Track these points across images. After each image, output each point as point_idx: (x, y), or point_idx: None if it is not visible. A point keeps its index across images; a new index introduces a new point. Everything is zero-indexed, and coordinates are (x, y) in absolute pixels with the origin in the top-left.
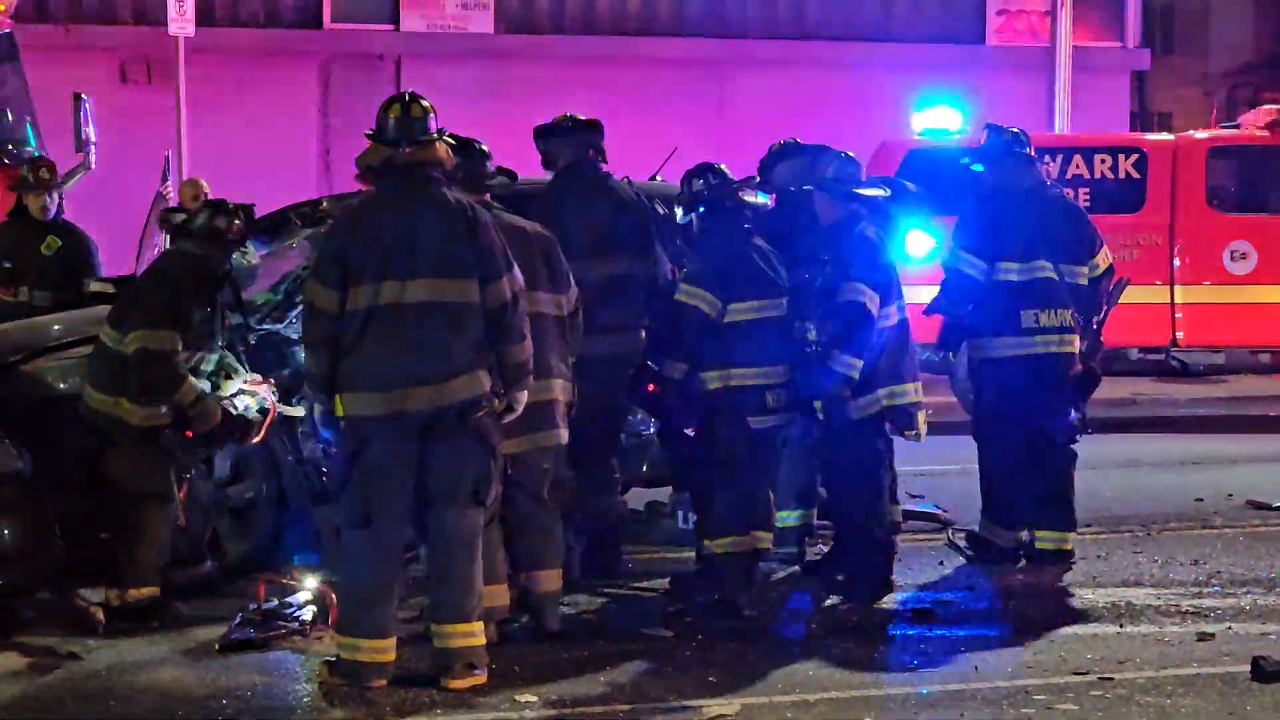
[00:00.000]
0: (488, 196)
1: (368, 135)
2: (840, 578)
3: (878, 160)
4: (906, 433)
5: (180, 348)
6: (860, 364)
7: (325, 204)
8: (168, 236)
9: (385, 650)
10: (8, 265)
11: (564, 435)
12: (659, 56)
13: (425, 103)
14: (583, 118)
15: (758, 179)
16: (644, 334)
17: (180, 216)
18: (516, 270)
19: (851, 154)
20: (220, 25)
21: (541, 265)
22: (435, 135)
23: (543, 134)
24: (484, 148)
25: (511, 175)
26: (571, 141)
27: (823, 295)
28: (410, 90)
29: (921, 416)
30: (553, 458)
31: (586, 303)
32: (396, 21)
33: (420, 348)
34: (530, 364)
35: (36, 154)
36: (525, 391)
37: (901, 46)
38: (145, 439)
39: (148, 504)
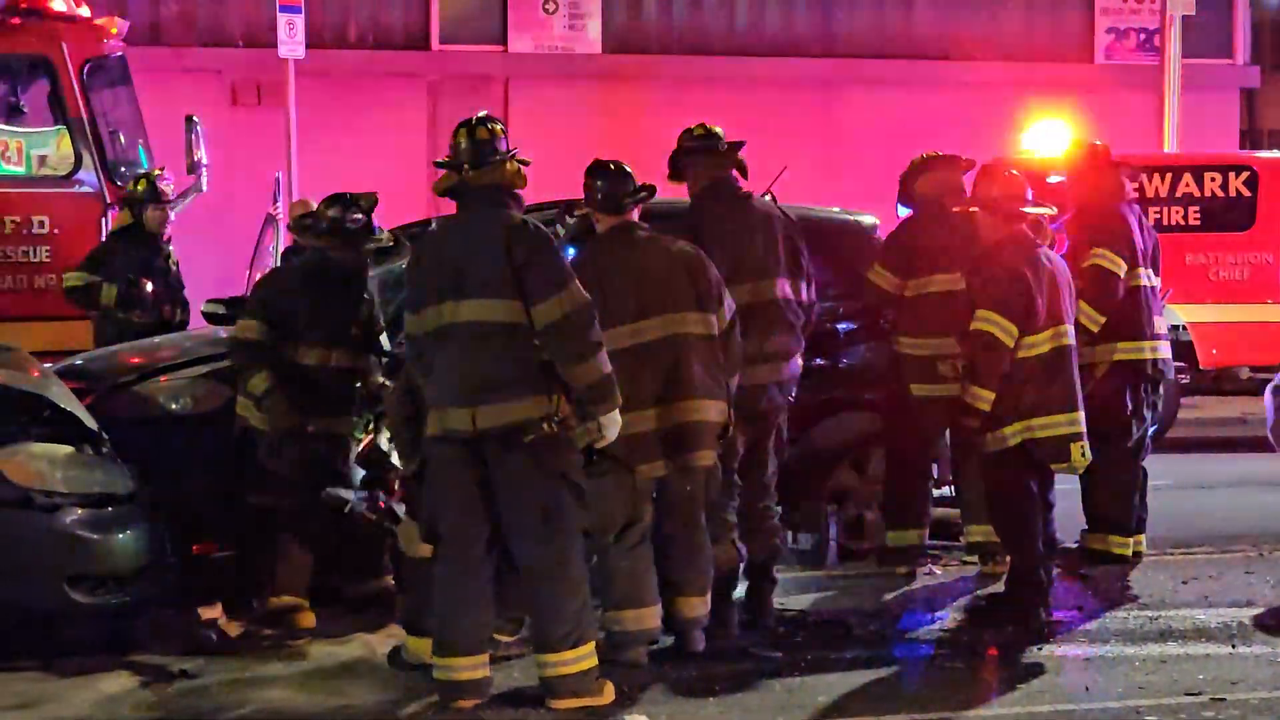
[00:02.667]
0: (634, 215)
1: (438, 164)
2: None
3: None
4: (1055, 465)
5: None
6: (989, 395)
7: (434, 225)
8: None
9: (474, 667)
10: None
11: (710, 458)
12: (767, 76)
13: (492, 125)
14: (720, 132)
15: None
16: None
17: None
18: (574, 287)
19: (1015, 170)
20: (329, 47)
21: (687, 284)
22: (503, 156)
23: (681, 151)
24: (624, 167)
25: (650, 190)
26: (711, 161)
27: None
28: (482, 113)
29: (1076, 448)
30: (698, 481)
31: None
32: (504, 42)
33: (465, 368)
34: (607, 384)
35: (156, 170)
36: (614, 412)
37: (1010, 65)
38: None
39: (298, 515)
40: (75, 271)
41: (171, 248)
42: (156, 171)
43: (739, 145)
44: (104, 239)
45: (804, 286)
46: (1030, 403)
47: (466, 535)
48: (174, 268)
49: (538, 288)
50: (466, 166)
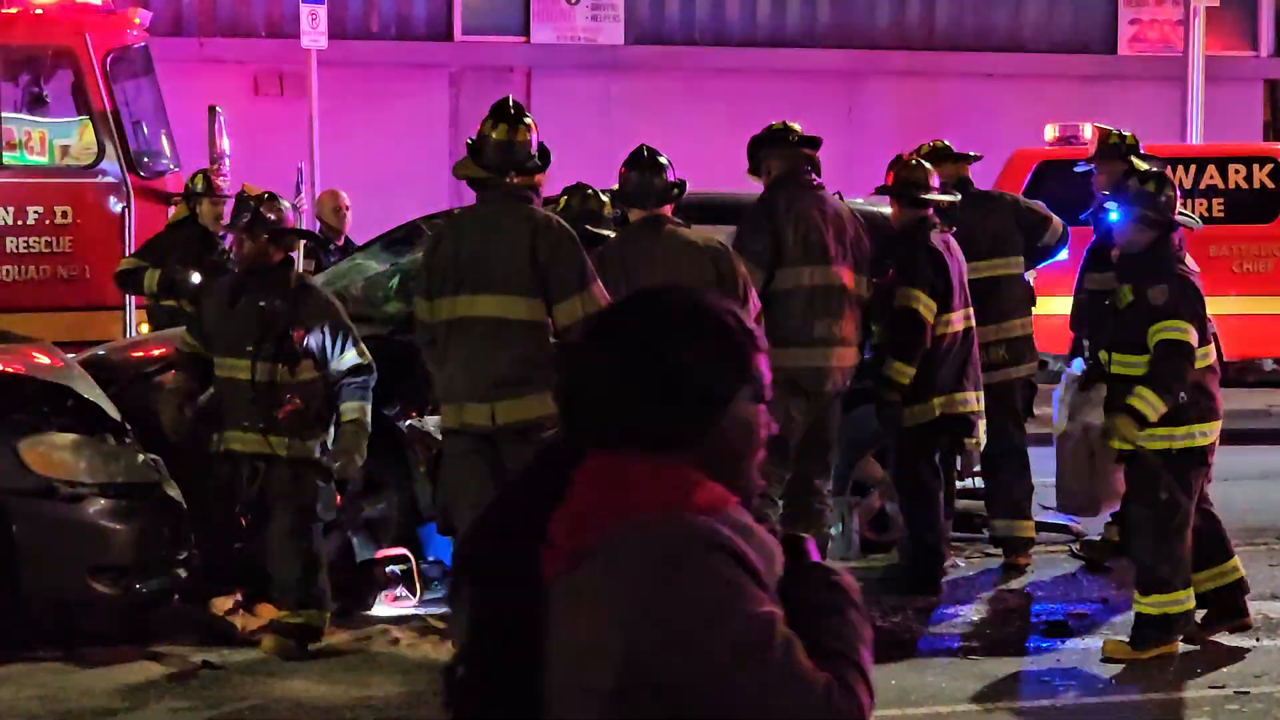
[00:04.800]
0: (668, 209)
1: (469, 144)
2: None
3: (1009, 172)
4: (967, 440)
5: None
6: (910, 371)
7: (455, 214)
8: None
9: None
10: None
11: None
12: (789, 67)
13: (528, 120)
14: (797, 127)
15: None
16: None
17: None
18: (595, 288)
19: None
20: (352, 38)
21: (712, 278)
22: (530, 167)
23: (759, 142)
24: (659, 160)
25: (680, 185)
26: (787, 153)
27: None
28: (514, 103)
29: (981, 425)
30: None
31: (798, 312)
32: (527, 33)
33: (484, 363)
34: None
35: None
36: None
37: (1032, 56)
38: None
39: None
40: (129, 257)
41: (227, 242)
42: (213, 166)
43: (813, 141)
44: (163, 229)
45: (865, 282)
46: (948, 378)
47: None
48: (228, 262)
49: (560, 287)
50: (500, 168)
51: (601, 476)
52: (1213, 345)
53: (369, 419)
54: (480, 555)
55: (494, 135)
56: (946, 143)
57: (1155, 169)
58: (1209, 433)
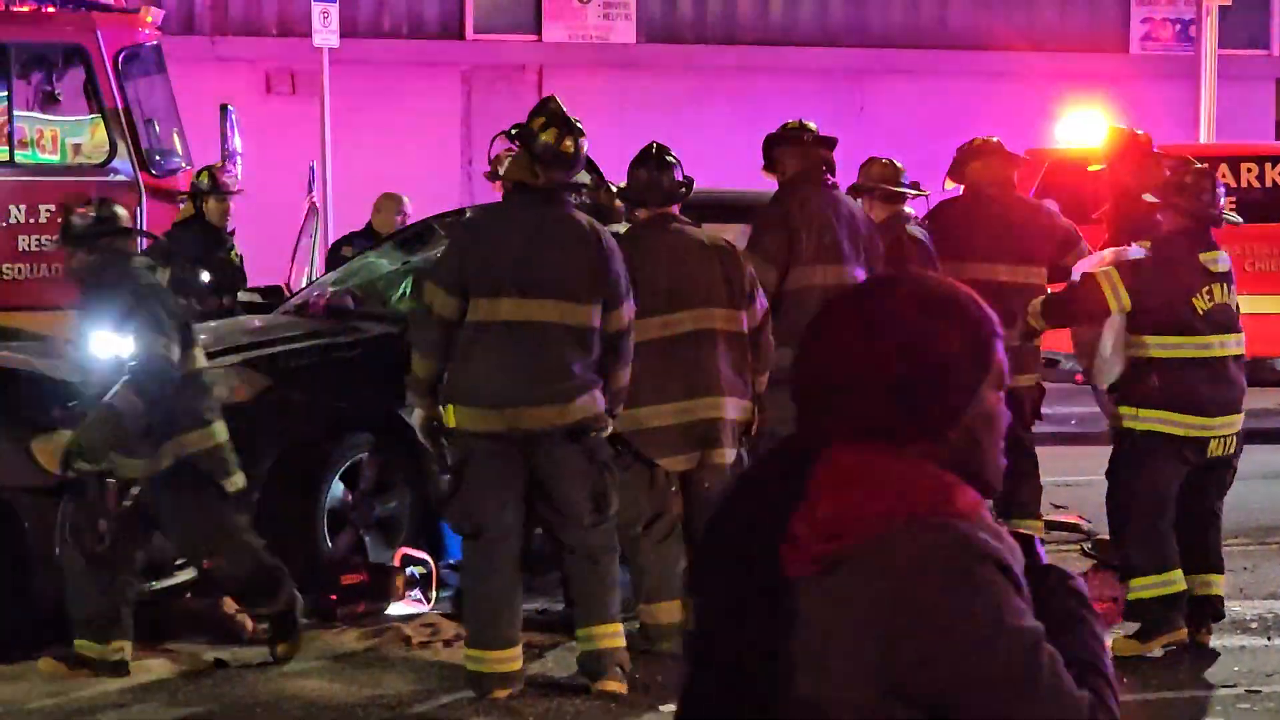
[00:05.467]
0: (675, 208)
1: (509, 135)
2: None
3: (1021, 171)
4: None
5: None
6: None
7: (469, 214)
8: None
9: (507, 660)
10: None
11: (730, 455)
12: (801, 66)
13: (578, 127)
14: (813, 126)
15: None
16: None
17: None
18: (631, 300)
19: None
20: (364, 36)
21: (720, 280)
22: (586, 184)
23: (775, 140)
24: (668, 158)
25: (688, 184)
26: (802, 151)
27: None
28: (562, 107)
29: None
30: (718, 477)
31: (811, 311)
32: (539, 32)
33: (541, 367)
34: (629, 387)
35: (218, 162)
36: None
37: (1044, 55)
38: None
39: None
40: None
41: (234, 239)
42: (219, 164)
43: (829, 141)
44: (169, 228)
45: None
46: None
47: (505, 529)
48: (236, 259)
49: (617, 295)
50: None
51: (851, 474)
52: (1198, 338)
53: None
54: (719, 549)
55: (546, 138)
56: (998, 140)
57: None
58: (1189, 425)
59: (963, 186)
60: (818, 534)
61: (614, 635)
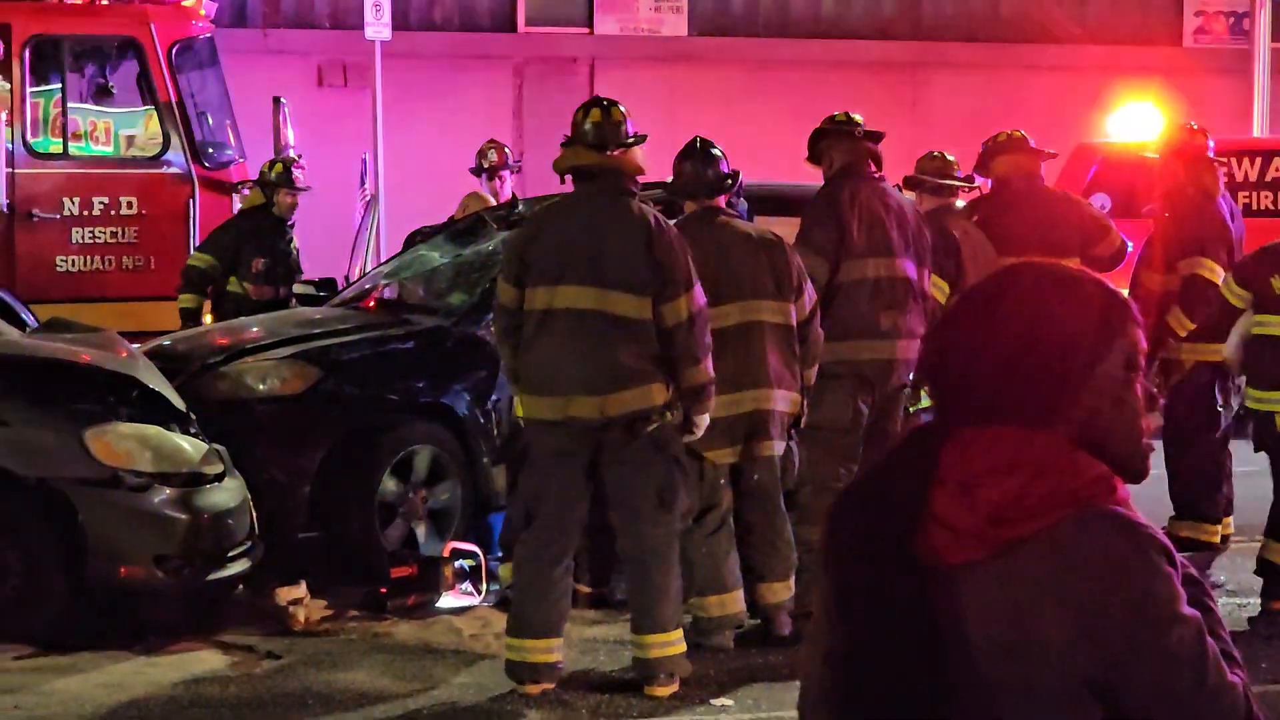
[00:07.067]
0: (721, 200)
1: (564, 144)
2: None
3: (1072, 165)
4: None
5: None
6: None
7: (520, 207)
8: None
9: (546, 651)
10: (264, 262)
11: (779, 447)
12: (853, 59)
13: (622, 108)
14: (860, 119)
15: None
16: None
17: None
18: (698, 290)
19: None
20: (416, 29)
21: (767, 272)
22: (630, 141)
23: (822, 133)
24: (713, 151)
25: (735, 176)
26: (851, 145)
27: None
28: (606, 96)
29: None
30: (767, 469)
31: (863, 304)
32: (590, 25)
33: (590, 356)
34: (710, 387)
35: (294, 154)
36: (706, 414)
37: (1097, 48)
38: None
39: None
40: (199, 253)
41: (293, 232)
42: (294, 158)
43: (876, 135)
44: (235, 216)
45: (925, 275)
46: None
47: (563, 521)
48: (294, 251)
49: (670, 287)
50: (597, 148)
51: (1008, 459)
52: None
53: None
54: (850, 534)
55: (590, 120)
56: (1023, 133)
57: None
58: None
59: (990, 181)
60: (982, 519)
61: (664, 645)
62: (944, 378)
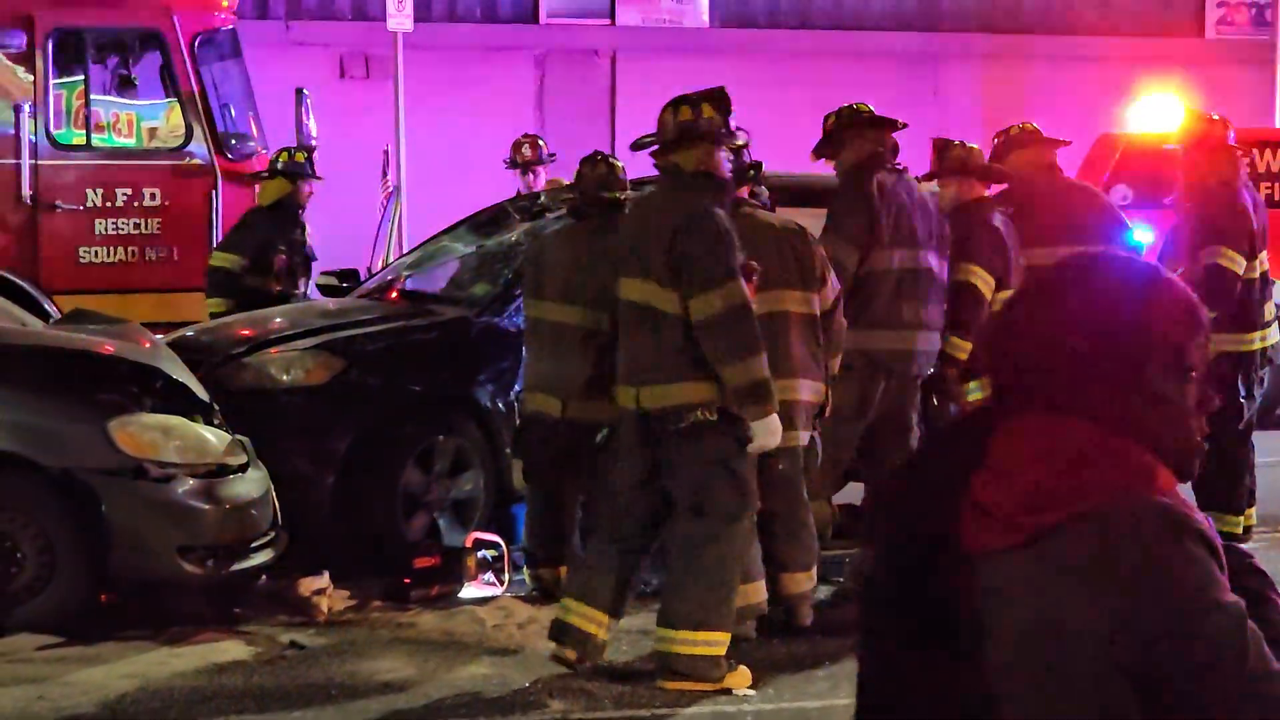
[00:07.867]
0: (744, 190)
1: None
2: None
3: (1094, 156)
4: None
5: None
6: (968, 346)
7: (543, 198)
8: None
9: (590, 620)
10: (287, 260)
11: (803, 437)
12: (874, 50)
13: (698, 104)
14: (875, 111)
15: None
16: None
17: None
18: (735, 286)
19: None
20: (438, 21)
21: (791, 262)
22: (693, 139)
23: (844, 124)
24: (739, 141)
25: (757, 167)
26: (872, 136)
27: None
28: (693, 92)
29: None
30: (790, 459)
31: (886, 294)
32: (612, 16)
33: (630, 348)
34: (759, 389)
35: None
36: (765, 420)
37: (1119, 39)
38: None
39: None
40: (220, 253)
41: (306, 222)
42: (313, 146)
43: (896, 125)
44: (255, 208)
45: (944, 267)
46: None
47: (623, 503)
48: (309, 241)
49: (694, 281)
50: (669, 145)
51: (1052, 446)
52: None
53: None
54: (897, 519)
55: (666, 118)
56: (1035, 125)
57: None
58: None
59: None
60: (1021, 505)
61: (680, 641)
62: (1008, 367)
